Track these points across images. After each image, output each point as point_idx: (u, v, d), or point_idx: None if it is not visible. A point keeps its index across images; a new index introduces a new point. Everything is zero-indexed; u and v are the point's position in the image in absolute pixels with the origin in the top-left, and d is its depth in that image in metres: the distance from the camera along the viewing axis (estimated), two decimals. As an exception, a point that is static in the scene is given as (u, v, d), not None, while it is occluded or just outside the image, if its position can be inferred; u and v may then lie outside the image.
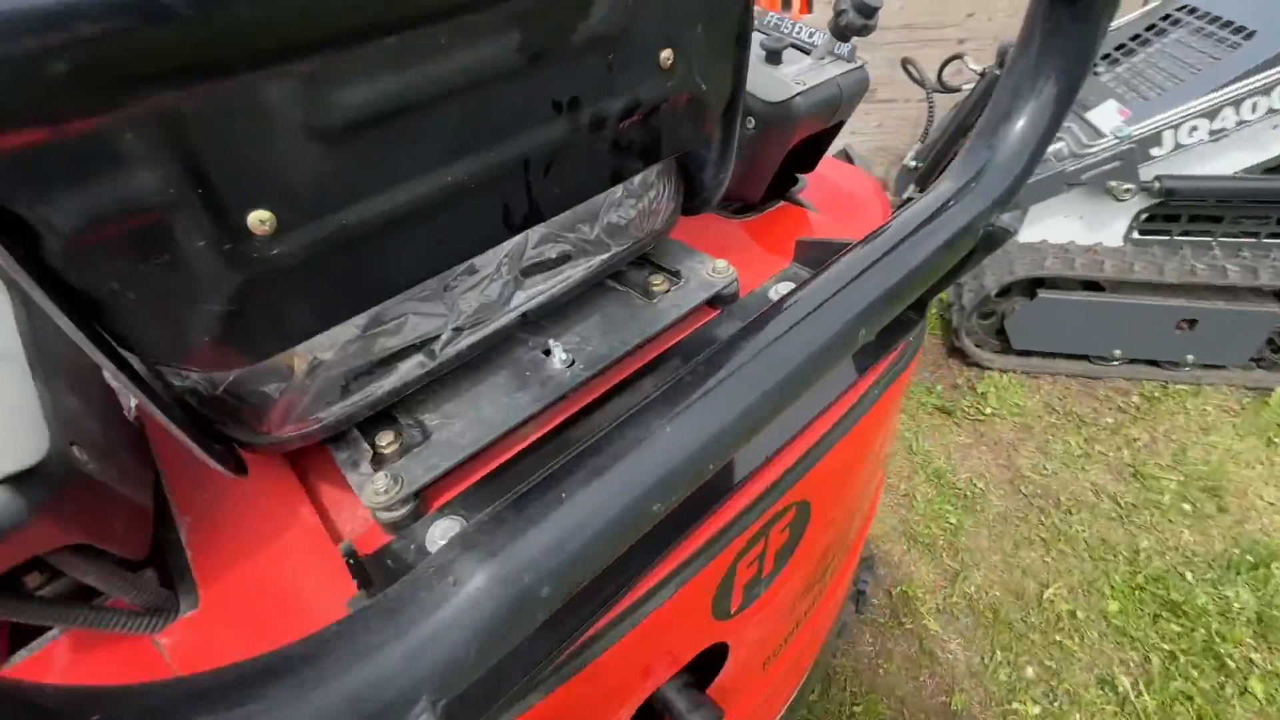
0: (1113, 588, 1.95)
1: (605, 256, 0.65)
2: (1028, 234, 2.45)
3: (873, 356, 0.68)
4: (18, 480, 0.33)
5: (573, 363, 0.62)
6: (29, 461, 0.33)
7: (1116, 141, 2.21)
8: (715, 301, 0.71)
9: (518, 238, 0.56)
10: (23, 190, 0.29)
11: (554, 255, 0.61)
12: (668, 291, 0.70)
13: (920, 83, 2.66)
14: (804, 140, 0.78)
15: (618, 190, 0.62)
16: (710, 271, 0.72)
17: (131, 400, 0.56)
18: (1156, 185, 2.24)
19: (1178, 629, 1.85)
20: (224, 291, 0.36)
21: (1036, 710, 1.70)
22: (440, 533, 0.48)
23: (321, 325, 0.43)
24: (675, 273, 0.72)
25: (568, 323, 0.67)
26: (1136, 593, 1.94)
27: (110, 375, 0.35)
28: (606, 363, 0.62)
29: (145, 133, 0.30)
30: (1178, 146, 2.22)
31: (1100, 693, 1.73)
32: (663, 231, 0.70)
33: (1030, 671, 1.79)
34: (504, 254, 0.57)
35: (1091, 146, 2.24)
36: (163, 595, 0.46)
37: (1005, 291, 2.42)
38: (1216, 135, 2.19)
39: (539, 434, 0.58)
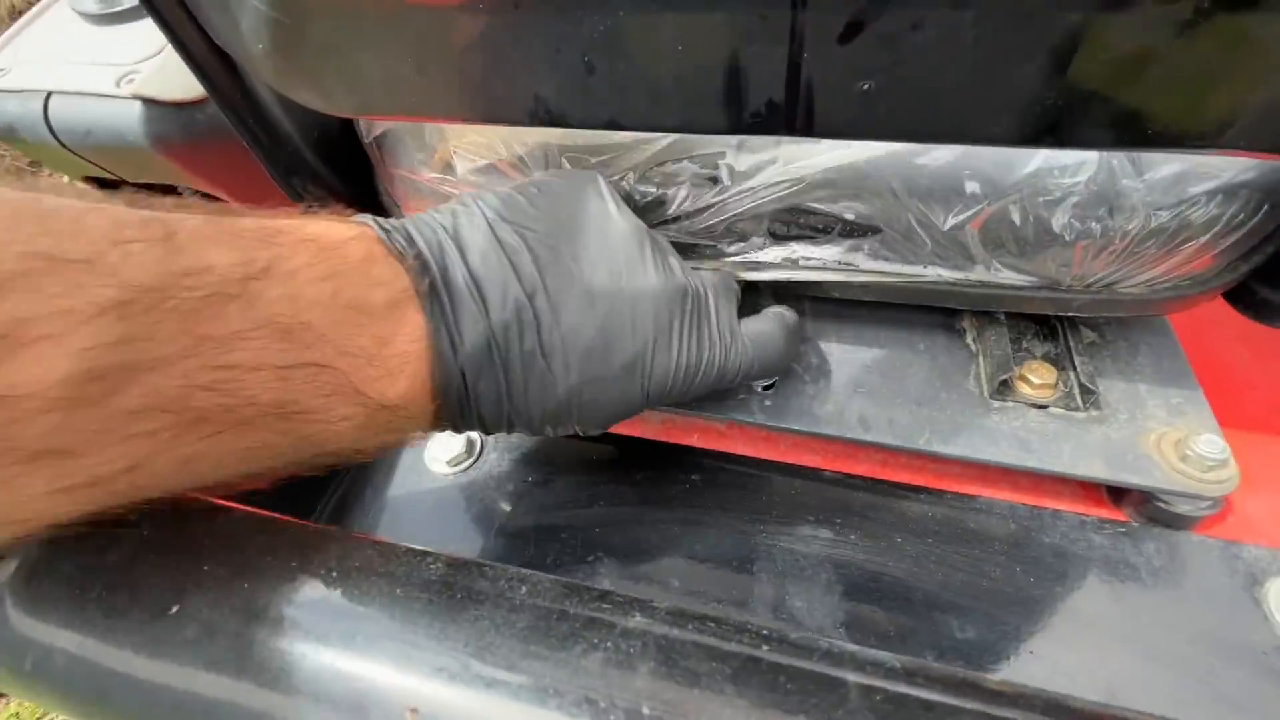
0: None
1: (966, 277, 0.43)
2: None
3: None
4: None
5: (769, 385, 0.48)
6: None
7: None
8: (1150, 511, 0.43)
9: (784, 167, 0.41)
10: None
11: (850, 217, 0.42)
12: (1051, 409, 0.45)
13: None
14: None
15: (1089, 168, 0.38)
16: (1174, 443, 0.42)
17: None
18: None
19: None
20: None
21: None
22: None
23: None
24: (1091, 391, 0.44)
25: (836, 339, 0.51)
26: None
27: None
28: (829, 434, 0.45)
29: None
30: None
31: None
32: (1147, 300, 0.42)
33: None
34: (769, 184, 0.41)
35: None
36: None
37: None
38: None
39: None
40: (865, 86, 0.30)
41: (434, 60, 0.35)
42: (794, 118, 0.32)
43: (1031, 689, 0.20)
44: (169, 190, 0.61)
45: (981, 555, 0.42)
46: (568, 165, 0.45)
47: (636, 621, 0.21)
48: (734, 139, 0.44)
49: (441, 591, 0.22)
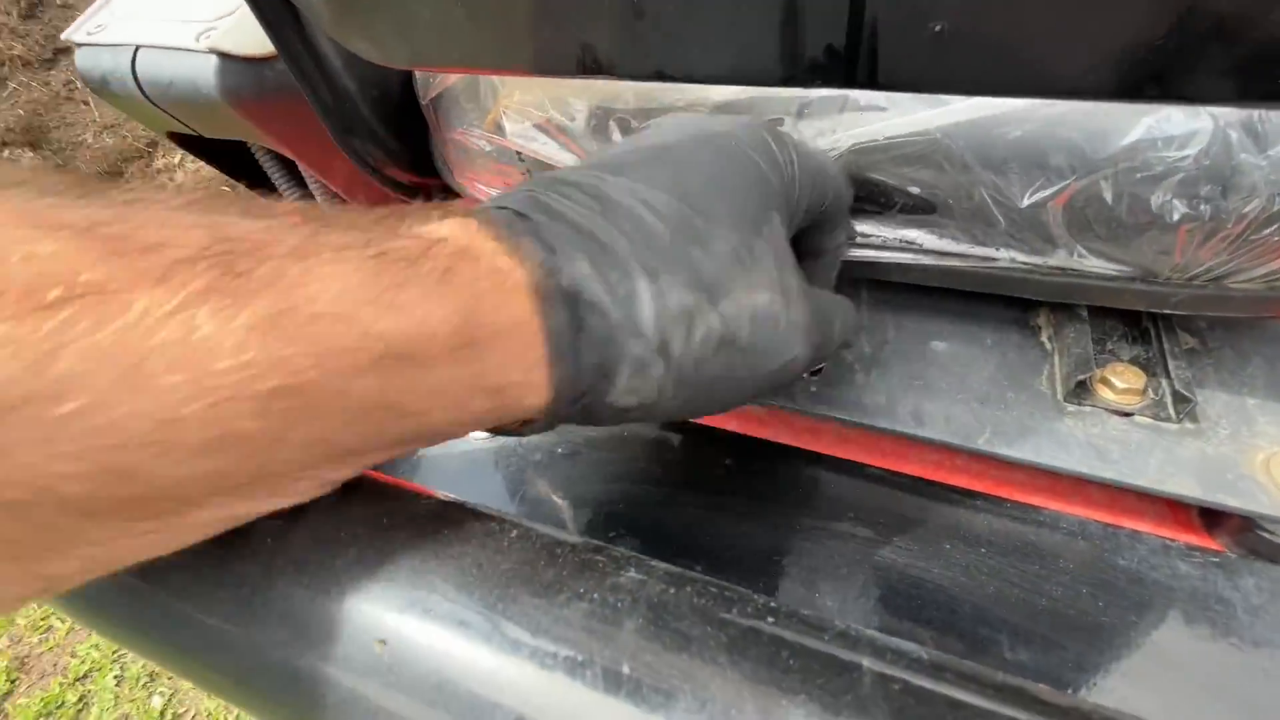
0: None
1: (1044, 263, 0.39)
2: None
3: None
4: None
5: (816, 372, 0.44)
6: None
7: None
8: (1250, 540, 0.38)
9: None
10: None
11: (914, 190, 0.39)
12: (1137, 418, 0.40)
13: None
14: None
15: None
16: (1271, 462, 0.37)
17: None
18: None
19: None
20: None
21: None
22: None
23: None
24: (1187, 400, 0.39)
25: (894, 328, 0.47)
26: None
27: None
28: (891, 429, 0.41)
29: None
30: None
31: None
32: (1264, 299, 0.37)
33: None
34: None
35: None
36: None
37: None
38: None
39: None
40: (938, 27, 0.27)
41: (483, 5, 0.35)
42: (855, 66, 0.30)
43: (1088, 704, 0.17)
44: (239, 148, 0.64)
45: (1042, 572, 0.38)
46: (617, 129, 0.44)
47: (629, 577, 0.19)
48: (794, 105, 0.41)
49: (427, 527, 0.20)
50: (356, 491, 0.22)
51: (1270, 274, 0.36)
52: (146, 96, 0.53)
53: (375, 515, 0.21)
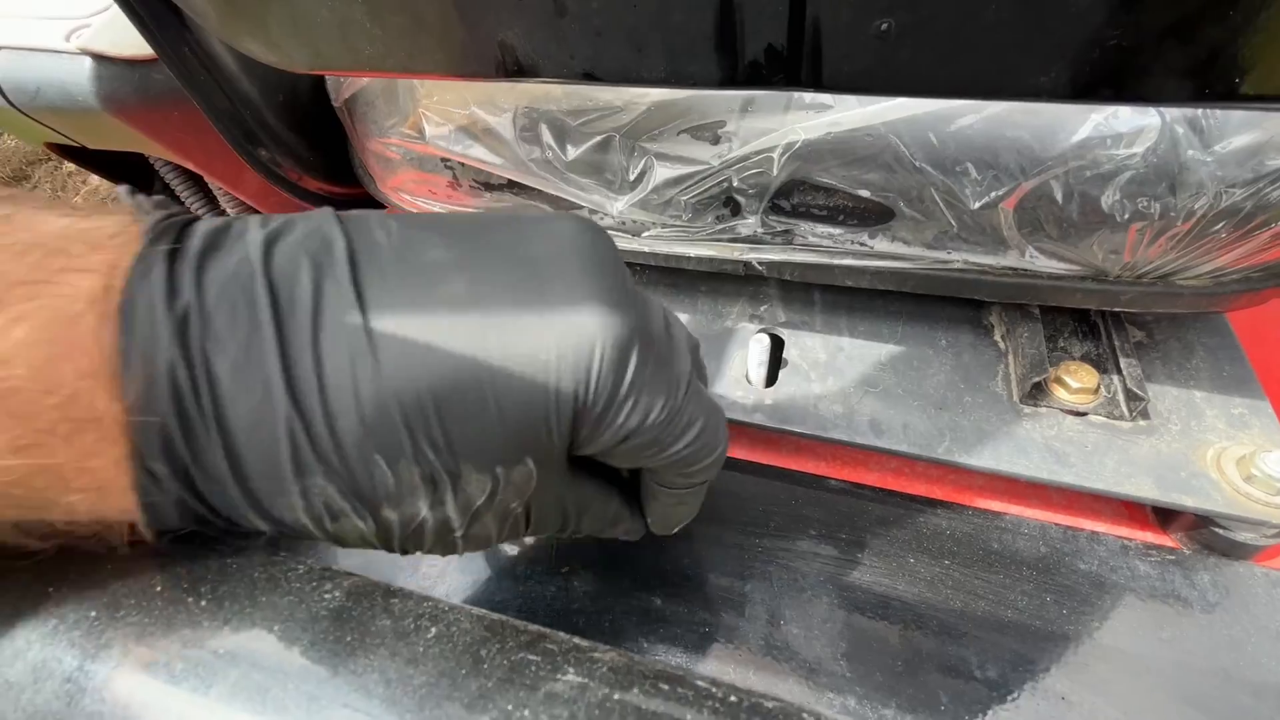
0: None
1: (996, 264, 0.38)
2: None
3: None
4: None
5: (772, 381, 0.44)
6: None
7: None
8: (1205, 537, 0.37)
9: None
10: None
11: (863, 193, 0.37)
12: (1091, 417, 0.39)
13: None
14: None
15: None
16: (1236, 460, 0.36)
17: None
18: None
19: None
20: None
21: None
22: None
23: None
24: (1139, 398, 0.39)
25: (847, 332, 0.46)
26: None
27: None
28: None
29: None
30: None
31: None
32: (1210, 294, 0.37)
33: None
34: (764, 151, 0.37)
35: None
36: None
37: None
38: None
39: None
40: (884, 26, 0.25)
41: (386, 2, 0.31)
42: (798, 67, 0.27)
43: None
44: (137, 161, 0.58)
45: (1007, 581, 0.37)
46: (547, 130, 0.41)
47: (568, 681, 0.16)
48: (737, 103, 0.39)
49: (329, 632, 0.17)
50: (244, 589, 0.18)
51: (1217, 270, 0.36)
52: (11, 103, 0.46)
53: (265, 619, 0.18)
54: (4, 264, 0.16)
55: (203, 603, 0.18)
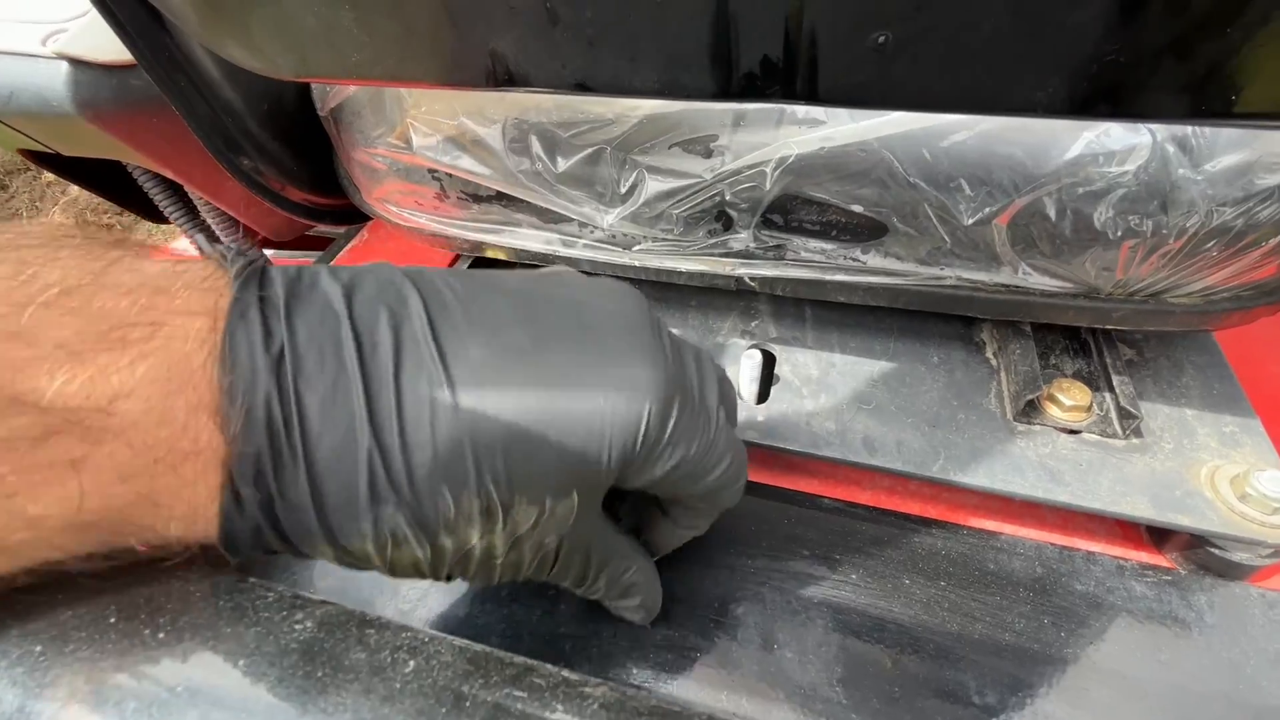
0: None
1: (989, 281, 0.38)
2: None
3: None
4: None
5: (764, 398, 0.44)
6: None
7: None
8: (1200, 557, 0.37)
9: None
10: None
11: (856, 208, 0.37)
12: (1085, 435, 0.39)
13: None
14: None
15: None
16: (1230, 479, 0.36)
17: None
18: None
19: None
20: None
21: None
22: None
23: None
24: (1132, 416, 0.38)
25: (839, 348, 0.46)
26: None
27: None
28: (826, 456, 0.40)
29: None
30: None
31: None
32: (1201, 312, 0.36)
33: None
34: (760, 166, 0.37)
35: None
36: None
37: None
38: None
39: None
40: (881, 38, 0.25)
41: (375, 9, 0.30)
42: (794, 79, 0.27)
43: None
44: (114, 168, 0.56)
45: (1003, 603, 0.36)
46: (537, 142, 0.40)
47: (557, 719, 0.15)
48: (729, 117, 0.39)
49: (299, 666, 0.16)
50: (206, 620, 0.17)
51: (1208, 288, 0.36)
52: (-17, 109, 0.45)
53: (230, 653, 0.16)
54: (115, 303, 0.18)
55: (160, 634, 0.17)
